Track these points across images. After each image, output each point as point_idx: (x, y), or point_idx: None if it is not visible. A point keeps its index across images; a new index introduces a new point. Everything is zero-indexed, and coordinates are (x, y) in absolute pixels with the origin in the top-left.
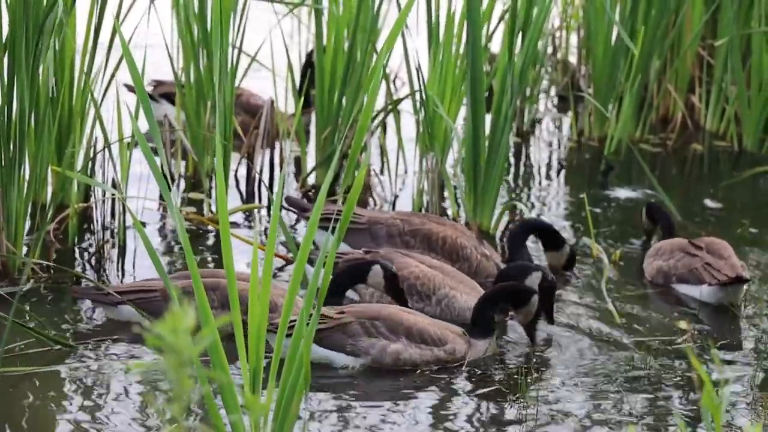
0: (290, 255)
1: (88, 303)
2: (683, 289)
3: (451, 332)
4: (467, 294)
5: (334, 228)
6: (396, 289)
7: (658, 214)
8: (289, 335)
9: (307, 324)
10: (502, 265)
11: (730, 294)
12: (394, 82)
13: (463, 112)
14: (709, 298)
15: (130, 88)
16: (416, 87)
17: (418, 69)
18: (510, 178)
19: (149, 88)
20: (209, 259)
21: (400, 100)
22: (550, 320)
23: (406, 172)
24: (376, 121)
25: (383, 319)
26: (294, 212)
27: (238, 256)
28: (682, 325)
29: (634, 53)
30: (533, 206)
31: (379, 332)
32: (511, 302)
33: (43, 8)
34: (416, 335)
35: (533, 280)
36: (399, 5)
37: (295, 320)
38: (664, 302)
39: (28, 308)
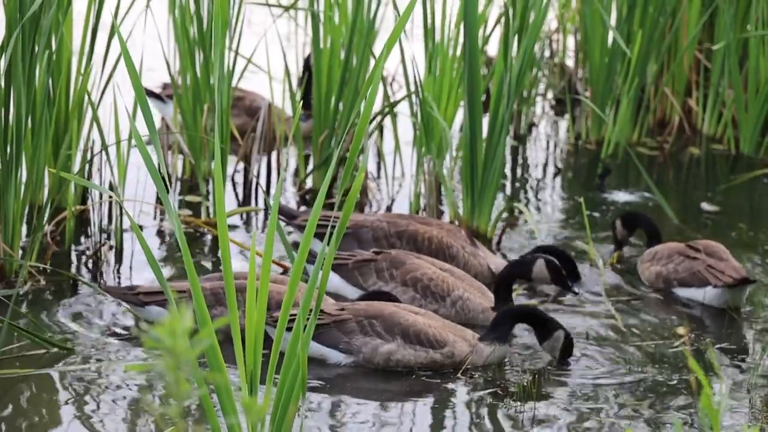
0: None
1: (84, 305)
2: (685, 292)
3: (455, 335)
4: (479, 297)
5: (325, 235)
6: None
7: (641, 222)
8: (289, 329)
9: (304, 328)
10: (495, 265)
11: (734, 296)
12: (391, 85)
13: (460, 115)
14: (713, 301)
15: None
16: (413, 90)
17: (415, 72)
18: (507, 181)
19: (158, 89)
20: (207, 262)
21: (396, 102)
22: (568, 289)
23: (403, 175)
24: (373, 124)
25: (382, 318)
26: (283, 220)
27: (236, 260)
28: (680, 330)
29: (630, 57)
30: (528, 202)
31: (374, 331)
32: (534, 329)
33: (40, 8)
34: (412, 336)
35: (540, 267)
36: (396, 7)
37: (295, 314)
38: (661, 305)
39: (24, 311)
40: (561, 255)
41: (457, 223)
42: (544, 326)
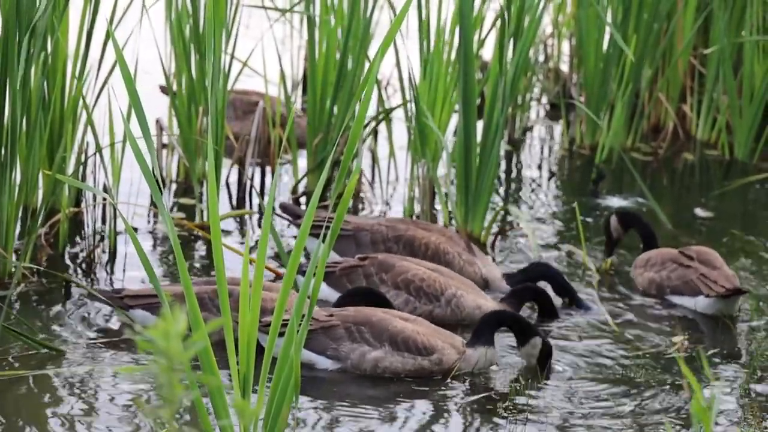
0: (281, 269)
1: (78, 307)
2: (678, 300)
3: (443, 341)
4: (472, 294)
5: (323, 235)
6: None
7: (636, 224)
8: (281, 334)
9: (298, 331)
10: (491, 275)
11: (726, 306)
12: (385, 88)
13: (454, 119)
14: (705, 310)
15: (163, 89)
16: (408, 95)
17: (411, 75)
18: (501, 185)
19: None
20: (200, 265)
21: (391, 110)
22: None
23: (397, 179)
24: (368, 129)
25: (371, 324)
26: (287, 219)
27: (230, 262)
28: (675, 339)
29: (625, 62)
30: (522, 207)
31: (362, 338)
32: (514, 335)
33: (35, 11)
34: (400, 343)
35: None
36: (392, 8)
37: (287, 320)
38: (655, 311)
39: (18, 312)
40: (555, 277)
41: (453, 228)
42: (522, 332)
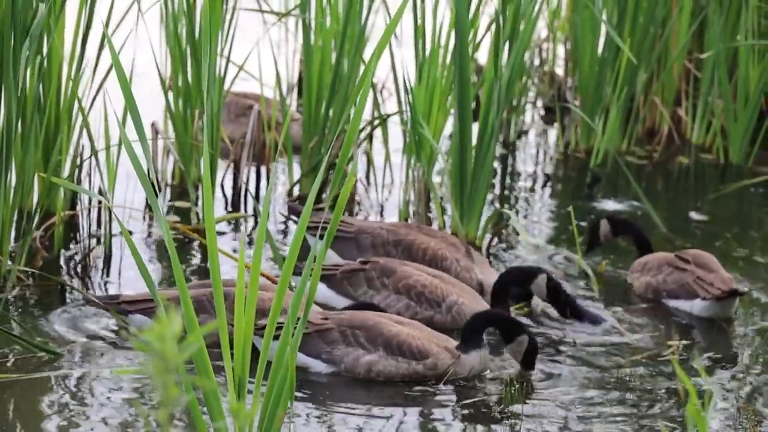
0: (276, 276)
1: (73, 310)
2: (675, 303)
3: (438, 346)
4: (472, 301)
5: (320, 236)
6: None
7: (630, 231)
8: (276, 337)
9: (293, 334)
10: (487, 283)
11: (723, 308)
12: (381, 92)
13: (450, 122)
14: (702, 313)
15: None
16: (403, 99)
17: (406, 79)
18: (496, 189)
19: None
20: (196, 268)
21: (387, 116)
22: (564, 314)
23: (392, 182)
24: (363, 133)
25: (366, 328)
26: (294, 221)
27: (226, 266)
28: (670, 342)
29: (620, 65)
30: (518, 210)
31: (357, 342)
32: (500, 333)
33: (31, 14)
34: (395, 347)
35: (539, 283)
36: (388, 12)
37: (282, 323)
38: (651, 314)
39: (13, 315)
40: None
41: (449, 231)
42: (509, 329)
